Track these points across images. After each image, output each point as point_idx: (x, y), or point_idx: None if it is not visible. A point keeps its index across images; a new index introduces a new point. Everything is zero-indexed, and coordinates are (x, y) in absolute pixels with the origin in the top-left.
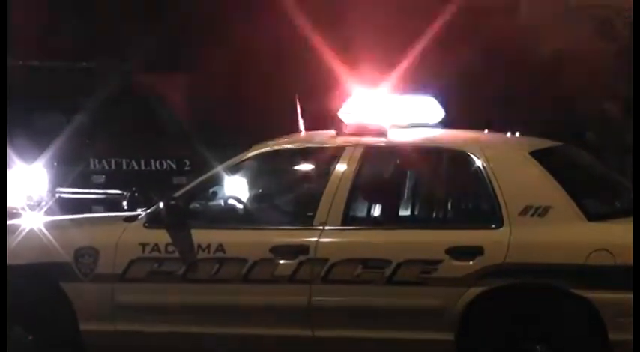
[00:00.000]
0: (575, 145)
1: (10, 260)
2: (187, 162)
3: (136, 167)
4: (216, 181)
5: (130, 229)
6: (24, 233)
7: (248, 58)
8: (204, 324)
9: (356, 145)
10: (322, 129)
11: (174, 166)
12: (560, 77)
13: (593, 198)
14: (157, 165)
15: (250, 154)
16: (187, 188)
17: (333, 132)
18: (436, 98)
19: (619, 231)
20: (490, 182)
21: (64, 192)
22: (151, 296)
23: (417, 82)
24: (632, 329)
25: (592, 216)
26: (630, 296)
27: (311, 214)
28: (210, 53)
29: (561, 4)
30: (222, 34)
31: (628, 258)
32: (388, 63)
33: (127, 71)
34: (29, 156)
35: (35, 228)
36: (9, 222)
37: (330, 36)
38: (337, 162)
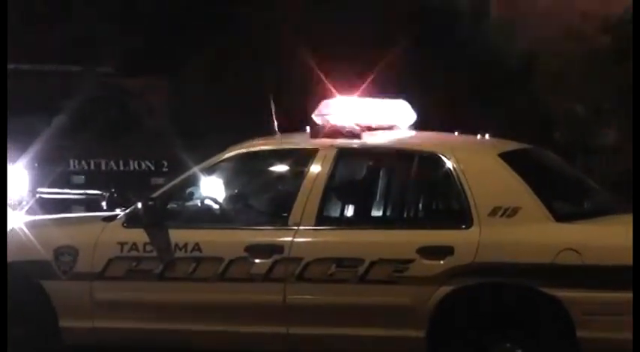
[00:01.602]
0: (544, 146)
1: None
2: (165, 164)
3: (115, 168)
4: (193, 182)
5: (108, 229)
6: (5, 232)
7: (226, 63)
8: (181, 322)
9: (330, 147)
10: (297, 131)
11: (152, 167)
12: (529, 79)
13: (561, 198)
14: (136, 166)
15: (226, 156)
16: (165, 188)
17: (307, 134)
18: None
19: (587, 231)
20: (460, 183)
21: (45, 192)
22: (129, 294)
23: (389, 86)
24: (633, 329)
25: (560, 217)
26: (598, 295)
27: (285, 214)
28: (189, 57)
29: (530, 7)
30: (201, 38)
31: (595, 258)
32: (362, 66)
33: (106, 74)
34: (10, 156)
35: (16, 227)
36: None
37: (305, 41)
38: (311, 164)
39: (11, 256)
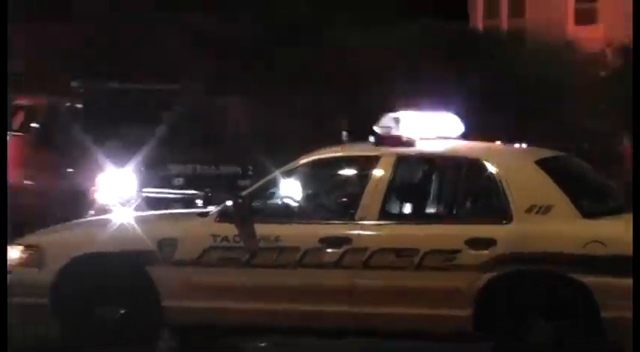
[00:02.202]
0: (574, 155)
1: (105, 248)
2: (250, 168)
3: (209, 171)
4: (275, 183)
5: (203, 223)
6: (116, 226)
7: (301, 83)
8: (264, 302)
9: (390, 154)
10: (362, 140)
11: (240, 171)
12: (561, 98)
13: (588, 198)
14: (223, 169)
15: (302, 161)
16: (251, 189)
17: (371, 142)
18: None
19: (610, 226)
20: (501, 185)
21: (149, 192)
22: (220, 279)
23: (441, 102)
24: (632, 329)
25: (586, 214)
26: (619, 280)
27: (353, 211)
28: (269, 79)
29: (560, 37)
30: (281, 61)
31: (618, 248)
32: (417, 87)
33: (203, 92)
34: (121, 162)
35: (126, 222)
36: (104, 216)
37: (368, 63)
38: (375, 168)
39: (122, 246)
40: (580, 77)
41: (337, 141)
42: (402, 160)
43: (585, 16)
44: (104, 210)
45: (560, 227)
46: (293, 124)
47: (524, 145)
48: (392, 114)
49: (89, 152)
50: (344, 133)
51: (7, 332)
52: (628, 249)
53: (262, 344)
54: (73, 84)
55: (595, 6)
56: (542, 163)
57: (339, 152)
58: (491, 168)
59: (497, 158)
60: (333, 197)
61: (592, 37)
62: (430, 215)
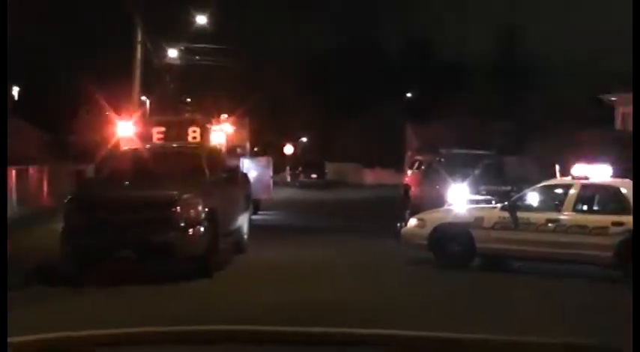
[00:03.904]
0: None
1: (452, 220)
2: (515, 188)
3: (497, 188)
4: (526, 195)
5: (494, 210)
6: (457, 211)
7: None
8: (520, 246)
9: (577, 183)
10: (564, 176)
11: (510, 189)
12: None
13: None
14: (503, 188)
15: (538, 186)
16: (515, 197)
17: (569, 178)
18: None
19: None
20: (626, 199)
21: (471, 197)
22: (502, 235)
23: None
24: (632, 329)
25: None
26: None
27: (560, 207)
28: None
29: None
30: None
31: None
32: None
33: (497, 154)
34: (460, 181)
35: (461, 209)
36: (452, 207)
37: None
38: (571, 189)
39: (459, 219)
40: None
41: (553, 177)
42: (583, 186)
43: None
44: (452, 204)
45: None
46: (535, 167)
47: None
48: (580, 165)
49: (445, 178)
50: (557, 173)
51: (6, 332)
52: None
53: (520, 264)
54: (441, 150)
55: None
56: None
57: (555, 182)
58: (623, 190)
59: (625, 186)
60: (551, 200)
61: None
62: (594, 210)
